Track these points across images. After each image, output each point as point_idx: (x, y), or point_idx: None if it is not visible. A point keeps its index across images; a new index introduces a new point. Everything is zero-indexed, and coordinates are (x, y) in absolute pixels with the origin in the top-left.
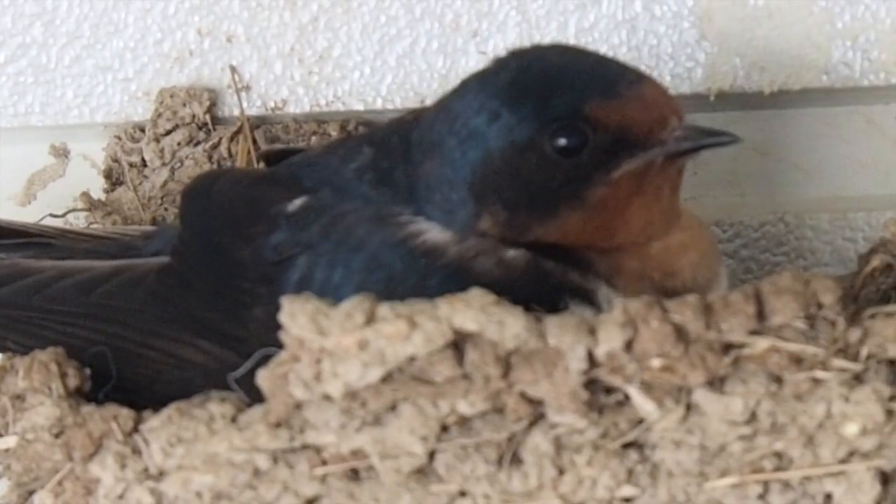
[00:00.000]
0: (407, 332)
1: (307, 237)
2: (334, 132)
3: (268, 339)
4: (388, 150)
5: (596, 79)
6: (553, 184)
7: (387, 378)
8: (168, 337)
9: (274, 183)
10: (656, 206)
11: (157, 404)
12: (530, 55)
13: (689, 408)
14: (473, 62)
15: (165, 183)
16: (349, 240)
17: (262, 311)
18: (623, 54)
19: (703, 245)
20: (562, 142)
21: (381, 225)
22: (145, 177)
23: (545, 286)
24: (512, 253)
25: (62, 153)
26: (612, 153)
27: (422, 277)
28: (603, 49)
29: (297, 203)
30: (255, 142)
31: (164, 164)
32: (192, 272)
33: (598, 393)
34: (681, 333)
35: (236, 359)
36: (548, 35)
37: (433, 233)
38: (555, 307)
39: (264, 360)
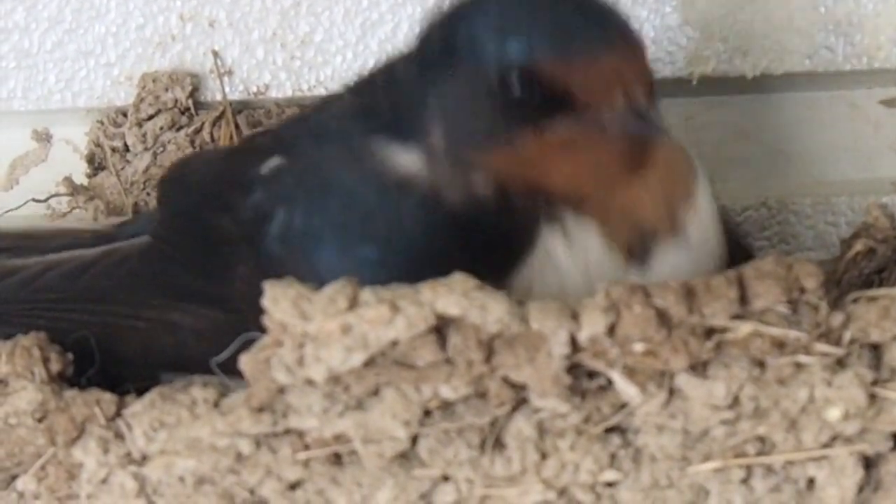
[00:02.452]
0: (389, 317)
1: (283, 191)
2: None
3: (254, 295)
4: (369, 89)
5: (559, 34)
6: (489, 124)
7: (369, 362)
8: (156, 306)
9: (246, 151)
10: (595, 172)
11: (152, 376)
12: None
13: (672, 392)
14: None
15: (148, 168)
16: (324, 183)
17: (245, 269)
18: None
19: (675, 184)
20: (505, 87)
21: (355, 160)
22: (128, 161)
23: (516, 216)
24: (480, 182)
25: (44, 138)
26: (549, 110)
27: (396, 211)
28: None
29: (271, 163)
30: (237, 126)
31: (146, 149)
32: (174, 247)
33: (580, 377)
34: (663, 318)
35: (225, 317)
36: None
37: (402, 158)
38: (527, 236)
39: (247, 344)
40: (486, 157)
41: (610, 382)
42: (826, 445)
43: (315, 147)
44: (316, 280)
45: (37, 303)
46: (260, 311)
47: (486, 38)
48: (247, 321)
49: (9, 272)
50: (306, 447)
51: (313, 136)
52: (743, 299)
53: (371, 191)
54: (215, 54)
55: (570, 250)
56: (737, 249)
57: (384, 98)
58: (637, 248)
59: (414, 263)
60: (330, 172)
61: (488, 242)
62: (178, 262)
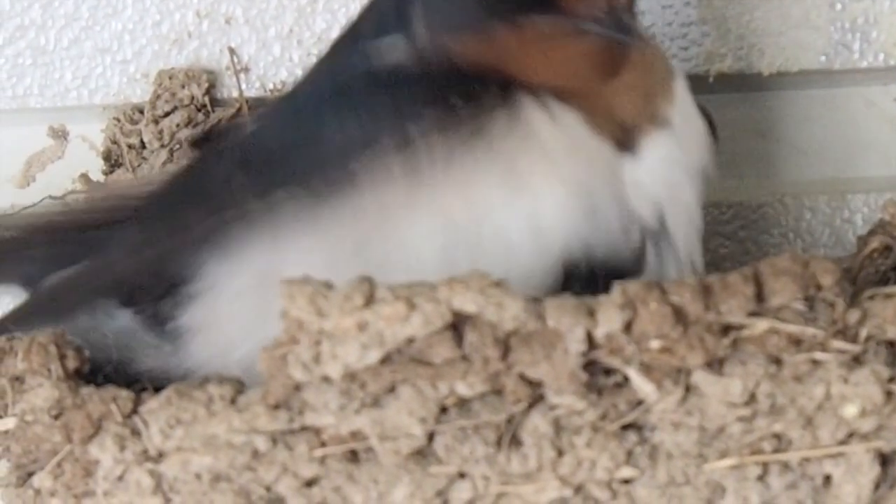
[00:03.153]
0: (406, 314)
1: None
2: None
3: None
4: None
5: None
6: (471, 7)
7: (385, 359)
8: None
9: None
10: (572, 70)
11: None
12: None
13: (689, 389)
14: None
15: (164, 164)
16: (308, 82)
17: (238, 180)
18: None
19: (653, 81)
20: None
21: (344, 57)
22: (144, 158)
23: (498, 84)
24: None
25: (61, 135)
26: (531, 5)
27: (364, 76)
28: None
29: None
30: None
31: (162, 146)
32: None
33: (597, 374)
34: (680, 315)
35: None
36: None
37: (386, 49)
38: (511, 99)
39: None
40: (465, 46)
41: (626, 379)
42: (842, 442)
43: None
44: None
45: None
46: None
47: None
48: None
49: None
50: (323, 444)
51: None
52: (759, 296)
53: (349, 70)
54: (232, 51)
55: (555, 130)
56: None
57: (367, 20)
58: (624, 140)
59: (395, 133)
60: (315, 74)
61: (467, 108)
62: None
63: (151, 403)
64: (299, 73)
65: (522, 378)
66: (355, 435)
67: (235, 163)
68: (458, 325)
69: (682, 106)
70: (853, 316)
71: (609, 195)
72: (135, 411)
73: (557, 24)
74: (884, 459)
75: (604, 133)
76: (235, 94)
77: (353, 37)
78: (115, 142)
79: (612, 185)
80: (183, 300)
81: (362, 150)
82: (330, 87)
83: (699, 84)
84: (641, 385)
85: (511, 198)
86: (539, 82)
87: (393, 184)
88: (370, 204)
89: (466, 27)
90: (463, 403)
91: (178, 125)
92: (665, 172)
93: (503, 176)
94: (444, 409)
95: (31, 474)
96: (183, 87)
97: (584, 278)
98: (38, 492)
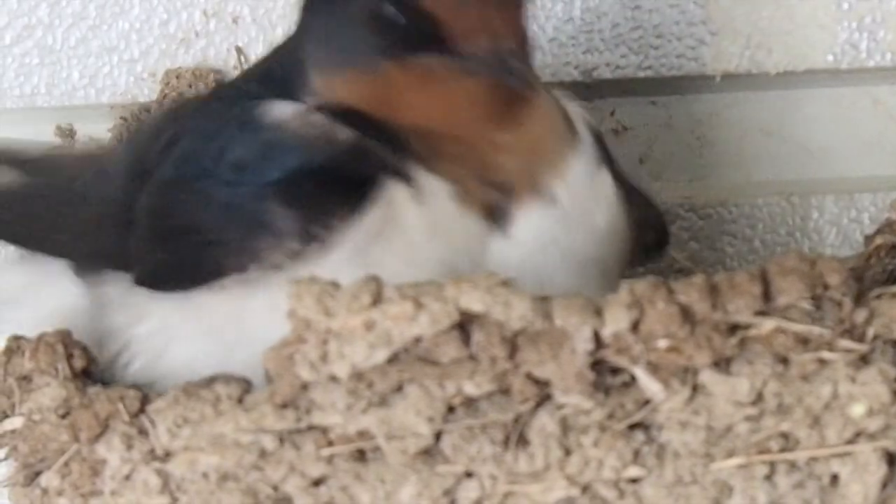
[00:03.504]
0: (413, 313)
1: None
2: None
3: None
4: (273, 61)
5: None
6: (359, 45)
7: (393, 359)
8: None
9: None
10: (452, 111)
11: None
12: None
13: (696, 389)
14: None
15: None
16: (206, 127)
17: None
18: (629, 35)
19: (541, 147)
20: (377, 9)
21: (239, 109)
22: None
23: (366, 161)
24: (341, 130)
25: (68, 134)
26: (416, 40)
27: (260, 144)
28: (609, 29)
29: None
30: None
31: None
32: None
33: (604, 374)
34: (687, 314)
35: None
36: (553, 15)
37: (283, 108)
38: (373, 183)
39: None
40: (348, 81)
41: (633, 379)
42: (850, 442)
43: (203, 108)
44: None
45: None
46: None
47: None
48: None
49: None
50: (330, 443)
51: (204, 103)
52: (766, 295)
53: (243, 131)
54: (239, 51)
55: (419, 208)
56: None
57: (277, 54)
58: (497, 211)
59: (264, 199)
60: (215, 117)
61: (331, 186)
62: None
63: (159, 403)
64: None
65: (530, 377)
66: (362, 434)
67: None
68: (465, 325)
69: (578, 180)
70: (860, 315)
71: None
72: (142, 410)
73: (445, 63)
74: (891, 459)
75: (474, 204)
76: None
77: (236, 94)
78: (122, 141)
79: (475, 265)
80: None
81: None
82: (212, 134)
83: (706, 84)
84: (649, 384)
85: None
86: (421, 124)
87: (246, 277)
88: (225, 296)
89: (354, 60)
90: (470, 403)
91: None
92: (536, 255)
93: (358, 268)
94: (451, 409)
95: (38, 473)
96: (190, 86)
97: None
98: (45, 491)
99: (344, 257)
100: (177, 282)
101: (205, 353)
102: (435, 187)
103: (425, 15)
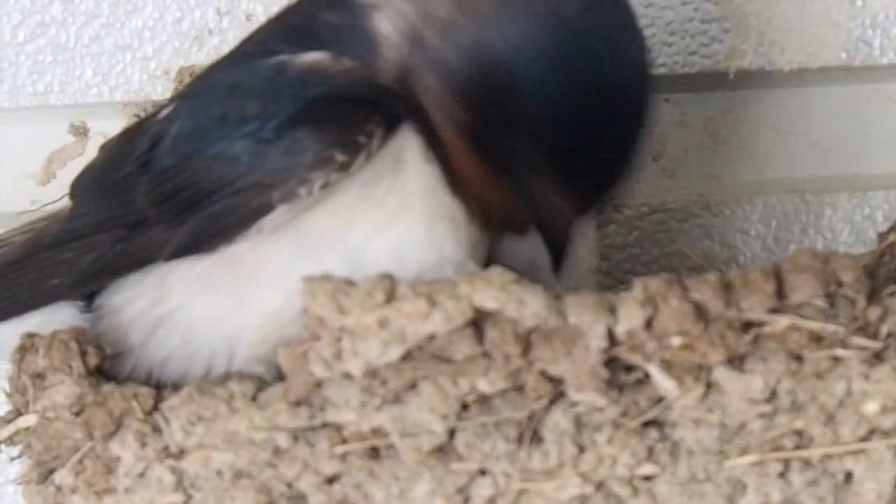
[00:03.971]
0: (427, 311)
1: (174, 115)
2: None
3: (156, 201)
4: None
5: (592, 171)
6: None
7: (407, 356)
8: (84, 235)
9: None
10: (491, 198)
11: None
12: None
13: (709, 386)
14: None
15: None
16: (211, 84)
17: (144, 187)
18: (642, 29)
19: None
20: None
21: (258, 61)
22: None
23: (397, 103)
24: (376, 75)
25: (81, 132)
26: (525, 174)
27: (281, 87)
28: None
29: (167, 108)
30: None
31: None
32: (84, 213)
33: (617, 371)
34: (700, 312)
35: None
36: None
37: (312, 55)
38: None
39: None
40: (430, 90)
41: (647, 376)
42: (863, 439)
43: (210, 73)
44: (204, 175)
45: None
46: (167, 215)
47: None
48: (154, 226)
49: None
50: (344, 441)
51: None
52: (780, 293)
53: (263, 77)
54: None
55: (425, 165)
56: None
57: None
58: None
59: (288, 130)
60: (224, 76)
61: (366, 105)
62: (89, 218)
63: (172, 400)
64: None
65: (543, 375)
66: (376, 432)
67: (142, 175)
68: (479, 322)
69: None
70: (874, 312)
71: (454, 244)
72: (156, 408)
73: (514, 186)
74: None
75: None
76: None
77: (263, 48)
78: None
79: (458, 241)
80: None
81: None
82: (226, 85)
83: (720, 81)
84: (662, 382)
85: (383, 231)
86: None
87: (275, 220)
88: (251, 251)
89: (455, 91)
90: (484, 400)
91: None
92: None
93: (378, 210)
94: (465, 406)
95: (52, 471)
96: None
97: None
98: (59, 488)
99: (372, 203)
100: (214, 237)
101: (230, 312)
102: (433, 168)
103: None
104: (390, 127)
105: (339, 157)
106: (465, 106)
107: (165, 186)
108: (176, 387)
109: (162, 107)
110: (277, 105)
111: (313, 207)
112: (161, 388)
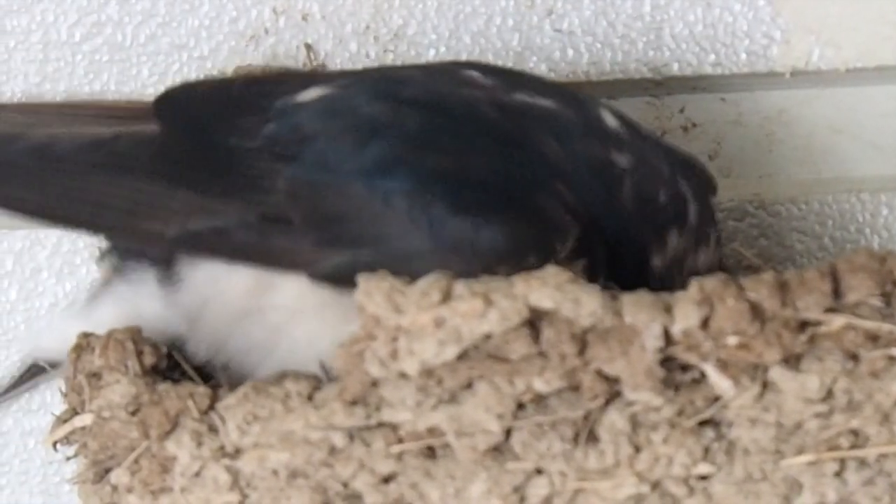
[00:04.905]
0: (483, 310)
1: (321, 104)
2: None
3: (299, 204)
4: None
5: None
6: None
7: (462, 356)
8: (193, 189)
9: (266, 82)
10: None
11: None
12: None
13: (766, 385)
14: (548, 40)
15: None
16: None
17: (284, 183)
18: (699, 31)
19: None
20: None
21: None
22: None
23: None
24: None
25: None
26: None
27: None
28: (678, 26)
29: (311, 93)
30: None
31: None
32: (183, 159)
33: (673, 370)
34: (757, 311)
35: (264, 222)
36: (622, 12)
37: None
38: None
39: None
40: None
41: (703, 375)
42: None
43: (367, 81)
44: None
45: (56, 166)
46: (317, 232)
47: None
48: (298, 234)
49: (20, 137)
50: (400, 440)
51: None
52: (836, 292)
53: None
54: (308, 48)
55: None
56: None
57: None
58: None
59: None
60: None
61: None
62: (193, 170)
63: (228, 400)
64: None
65: (599, 374)
66: (432, 431)
67: (281, 162)
68: (534, 322)
69: None
70: None
71: None
72: (212, 407)
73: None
74: None
75: None
76: None
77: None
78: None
79: None
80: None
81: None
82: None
83: (776, 81)
84: (718, 381)
85: None
86: None
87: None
88: None
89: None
90: (540, 400)
91: None
92: None
93: None
94: (521, 406)
95: (108, 471)
96: None
97: None
98: (114, 488)
99: None
100: None
101: (331, 334)
102: None
103: None
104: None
105: (530, 261)
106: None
107: (322, 202)
108: (234, 385)
109: (295, 78)
110: (479, 168)
111: None
112: (222, 370)
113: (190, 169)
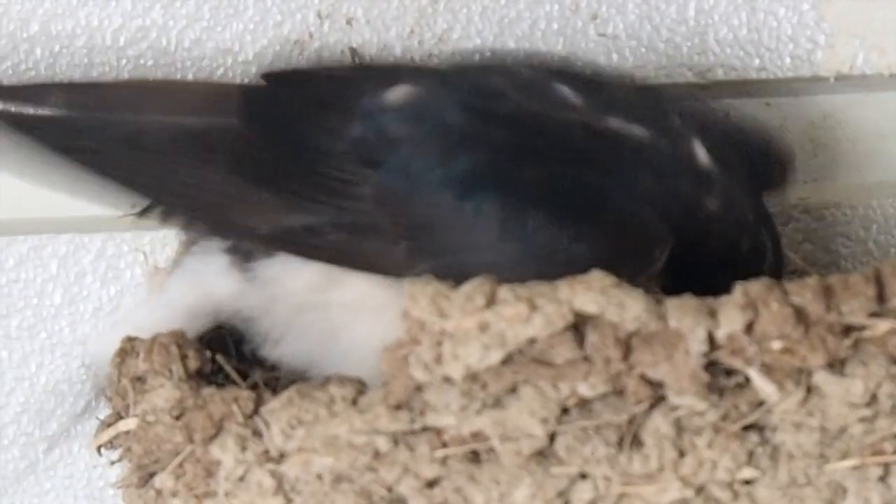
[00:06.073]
0: (527, 315)
1: (413, 109)
2: None
3: (389, 211)
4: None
5: None
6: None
7: (507, 360)
8: (284, 188)
9: (357, 76)
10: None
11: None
12: None
13: (810, 390)
14: (593, 45)
15: None
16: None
17: (371, 190)
18: (743, 36)
19: None
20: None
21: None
22: None
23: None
24: None
25: None
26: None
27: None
28: (723, 31)
29: (399, 91)
30: None
31: None
32: (269, 156)
33: (718, 375)
34: (801, 316)
35: (355, 230)
36: (667, 17)
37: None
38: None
39: None
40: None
41: (747, 380)
42: None
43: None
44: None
45: (138, 159)
46: (406, 238)
47: None
48: (388, 239)
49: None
50: (444, 445)
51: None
52: (881, 297)
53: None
54: (353, 52)
55: None
56: None
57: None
58: None
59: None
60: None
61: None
62: (281, 168)
63: (273, 404)
64: None
65: (644, 379)
66: (477, 435)
67: (369, 167)
68: (579, 326)
69: None
70: None
71: None
72: (256, 412)
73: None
74: None
75: None
76: None
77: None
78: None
79: None
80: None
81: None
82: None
83: (820, 85)
84: (763, 386)
85: None
86: None
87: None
88: None
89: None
90: (584, 404)
91: None
92: None
93: None
94: (565, 410)
95: (152, 475)
96: None
97: None
98: (159, 492)
99: None
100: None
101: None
102: None
103: None
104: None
105: (626, 272)
106: None
107: (412, 210)
108: (287, 377)
109: (379, 73)
110: (572, 184)
111: None
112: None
113: (279, 167)
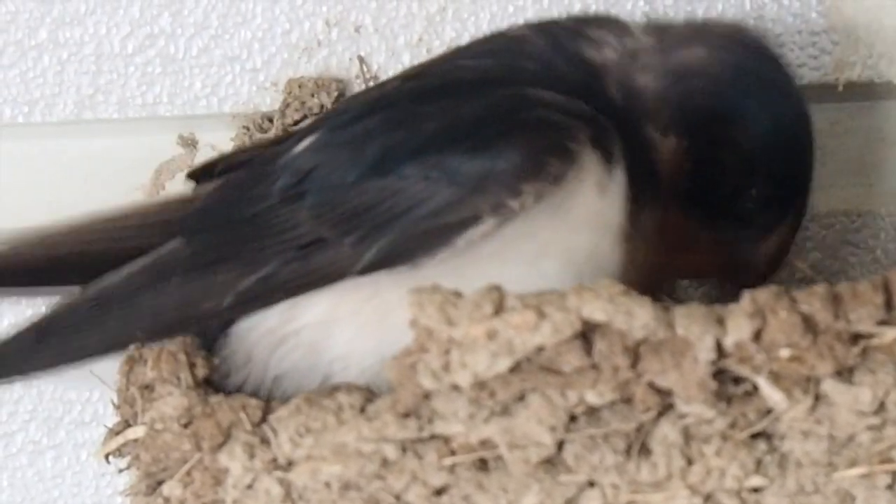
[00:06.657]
0: (535, 323)
1: (322, 140)
2: None
3: (323, 223)
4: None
5: None
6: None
7: (515, 368)
8: (232, 260)
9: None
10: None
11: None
12: None
13: (818, 398)
14: None
15: None
16: (388, 104)
17: (307, 211)
18: None
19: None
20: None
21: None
22: None
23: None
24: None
25: (190, 143)
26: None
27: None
28: None
29: (307, 139)
30: None
31: None
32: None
33: (726, 383)
34: (809, 324)
35: (299, 249)
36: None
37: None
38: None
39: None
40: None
41: (755, 388)
42: None
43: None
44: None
45: (103, 311)
46: (352, 235)
47: None
48: (335, 245)
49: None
50: (452, 453)
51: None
52: (889, 305)
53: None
54: (361, 60)
55: (596, 204)
56: None
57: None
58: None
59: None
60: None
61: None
62: (227, 248)
63: (281, 412)
64: None
65: (652, 387)
66: (485, 443)
67: (297, 202)
68: (587, 334)
69: None
70: None
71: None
72: (264, 420)
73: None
74: None
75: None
76: None
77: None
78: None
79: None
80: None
81: (457, 212)
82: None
83: (828, 93)
84: (771, 394)
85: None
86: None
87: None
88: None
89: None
90: (592, 412)
91: None
92: None
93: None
94: (573, 418)
95: (160, 483)
96: (312, 95)
97: None
98: (167, 500)
99: (552, 208)
100: (415, 251)
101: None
102: (617, 189)
103: None
104: (600, 143)
105: (552, 167)
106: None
107: (344, 208)
108: (283, 399)
109: (287, 140)
110: (469, 113)
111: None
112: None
113: (224, 249)
